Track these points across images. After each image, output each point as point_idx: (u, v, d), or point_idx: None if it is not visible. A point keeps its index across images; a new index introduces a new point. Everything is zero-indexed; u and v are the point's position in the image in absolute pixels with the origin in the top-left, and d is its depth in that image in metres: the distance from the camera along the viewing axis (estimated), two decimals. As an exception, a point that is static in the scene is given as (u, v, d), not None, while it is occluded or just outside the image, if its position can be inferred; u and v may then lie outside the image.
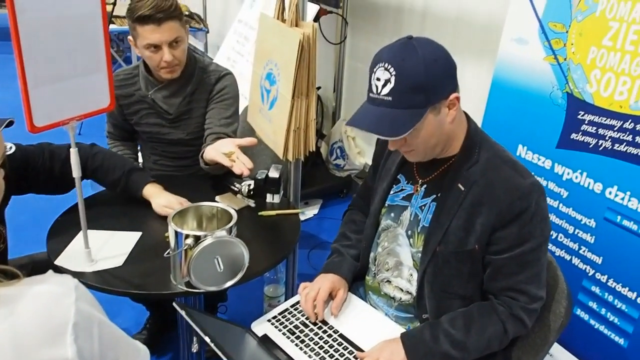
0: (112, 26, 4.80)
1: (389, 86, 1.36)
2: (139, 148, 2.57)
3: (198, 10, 5.87)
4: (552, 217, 2.13)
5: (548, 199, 2.08)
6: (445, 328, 1.49)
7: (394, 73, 1.35)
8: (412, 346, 1.48)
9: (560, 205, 2.10)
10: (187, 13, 5.40)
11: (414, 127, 1.36)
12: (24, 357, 0.80)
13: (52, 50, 1.43)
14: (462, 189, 1.48)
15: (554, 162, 2.09)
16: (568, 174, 2.04)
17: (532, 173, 1.48)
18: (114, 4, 4.86)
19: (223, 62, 4.34)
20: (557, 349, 2.15)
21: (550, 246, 2.16)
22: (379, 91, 1.38)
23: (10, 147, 1.84)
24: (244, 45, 4.14)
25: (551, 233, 2.14)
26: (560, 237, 2.12)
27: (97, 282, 1.61)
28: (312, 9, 3.51)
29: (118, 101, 2.30)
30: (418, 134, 1.42)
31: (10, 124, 1.39)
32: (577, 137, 1.98)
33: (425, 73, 1.35)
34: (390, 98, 1.37)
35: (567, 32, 1.97)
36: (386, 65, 1.36)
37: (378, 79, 1.38)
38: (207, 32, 5.58)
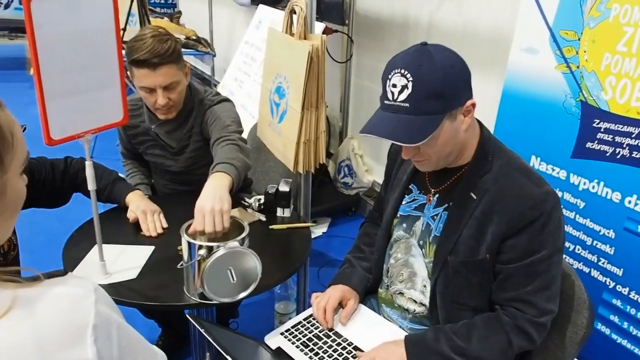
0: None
1: (406, 92, 1.33)
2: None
3: (205, 35, 5.92)
4: (569, 229, 2.09)
5: (564, 211, 2.05)
6: (446, 332, 1.47)
7: (411, 79, 1.33)
8: (411, 344, 1.47)
9: (577, 216, 2.06)
10: (194, 37, 5.45)
11: (432, 134, 1.34)
12: (46, 357, 0.79)
13: (67, 64, 1.45)
14: (475, 197, 1.45)
15: (569, 173, 2.06)
16: (584, 184, 2.01)
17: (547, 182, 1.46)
18: (124, 29, 4.88)
19: (230, 83, 4.37)
20: (578, 365, 2.10)
21: (568, 259, 2.12)
22: (395, 97, 1.36)
23: None
24: (250, 66, 4.17)
25: (568, 245, 2.10)
26: (578, 249, 2.08)
27: (112, 294, 1.54)
28: (318, 28, 3.53)
29: (125, 130, 2.33)
30: (434, 143, 1.39)
31: (24, 129, 1.41)
32: (592, 145, 1.95)
33: (442, 79, 1.33)
34: (407, 104, 1.34)
35: (579, 39, 1.96)
36: (403, 71, 1.34)
37: (394, 86, 1.36)
38: (214, 55, 5.62)
